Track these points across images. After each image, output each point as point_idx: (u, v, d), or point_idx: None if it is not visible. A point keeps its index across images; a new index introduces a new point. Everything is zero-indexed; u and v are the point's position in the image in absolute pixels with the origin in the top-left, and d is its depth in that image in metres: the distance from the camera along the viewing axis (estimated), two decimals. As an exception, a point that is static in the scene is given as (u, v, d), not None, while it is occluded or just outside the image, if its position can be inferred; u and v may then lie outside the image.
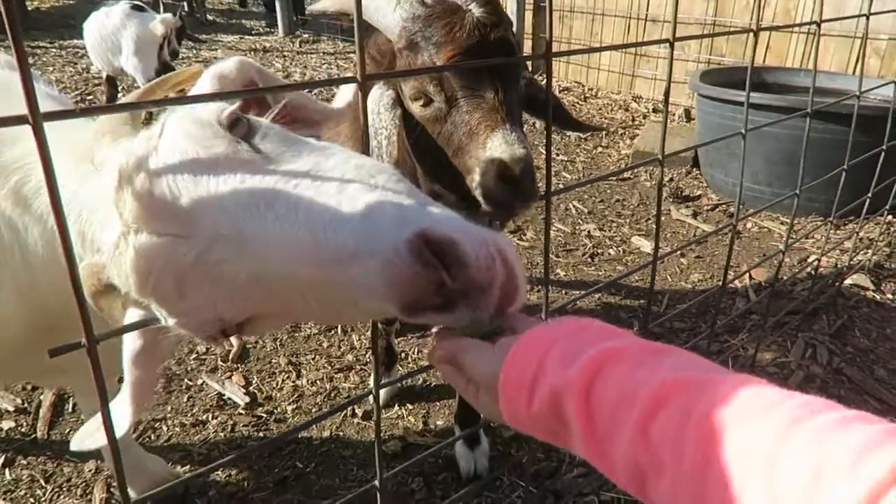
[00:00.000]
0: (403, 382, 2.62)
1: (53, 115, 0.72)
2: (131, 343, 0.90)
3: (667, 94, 1.53)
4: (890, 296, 3.23)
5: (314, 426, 2.38)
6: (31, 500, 2.06)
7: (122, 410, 0.94)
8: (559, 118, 1.77)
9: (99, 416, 0.98)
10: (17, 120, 0.69)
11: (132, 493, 0.85)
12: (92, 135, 0.86)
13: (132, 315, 0.88)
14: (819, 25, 2.08)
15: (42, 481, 2.13)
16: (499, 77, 1.35)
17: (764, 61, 5.69)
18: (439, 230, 0.67)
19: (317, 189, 0.73)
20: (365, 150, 0.97)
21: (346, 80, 0.98)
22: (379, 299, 0.67)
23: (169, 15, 6.05)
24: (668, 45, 1.46)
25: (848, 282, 3.29)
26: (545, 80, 1.28)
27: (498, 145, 1.28)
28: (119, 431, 0.93)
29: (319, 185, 0.74)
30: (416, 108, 1.42)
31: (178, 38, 6.13)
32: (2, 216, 1.13)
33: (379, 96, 1.46)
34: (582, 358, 0.66)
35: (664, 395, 0.59)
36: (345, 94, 1.35)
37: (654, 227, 4.02)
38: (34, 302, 1.18)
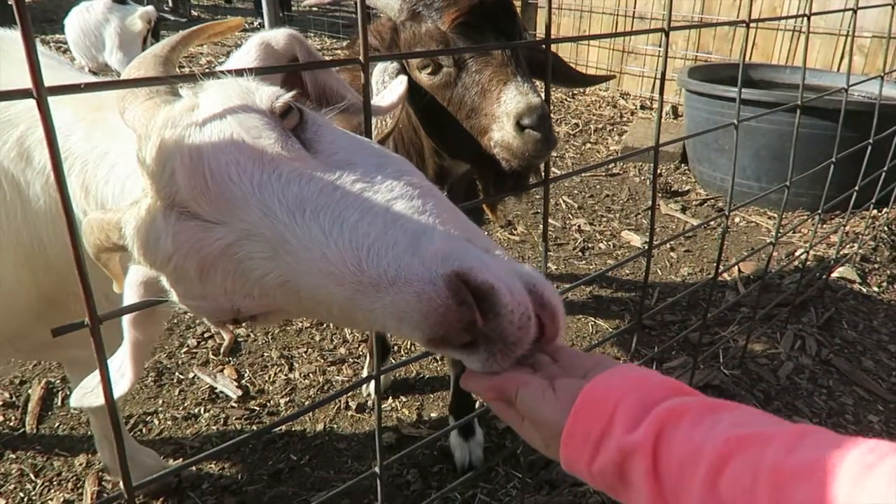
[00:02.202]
0: (397, 374, 2.62)
1: (58, 90, 0.72)
2: (129, 302, 0.89)
3: (662, 83, 1.54)
4: (876, 288, 3.27)
5: (308, 419, 2.37)
6: (22, 494, 2.03)
7: (123, 370, 0.93)
8: (563, 76, 1.76)
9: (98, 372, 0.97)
10: (22, 94, 0.69)
11: (123, 487, 0.84)
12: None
13: (133, 273, 0.87)
14: (808, 18, 2.11)
15: (32, 475, 2.10)
16: (503, 33, 1.37)
17: (750, 58, 5.74)
18: (482, 275, 0.65)
19: (364, 204, 0.70)
20: (367, 132, 0.97)
21: (349, 62, 0.98)
22: (409, 328, 0.65)
23: (150, 7, 5.98)
24: (660, 36, 1.48)
25: (835, 275, 3.33)
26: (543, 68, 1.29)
27: (512, 97, 1.29)
28: (120, 391, 0.91)
29: (368, 199, 0.71)
30: (424, 77, 1.42)
31: (155, 30, 6.05)
32: (3, 172, 1.09)
33: (384, 67, 1.46)
34: (646, 419, 0.67)
35: (729, 452, 0.60)
36: (389, 93, 1.34)
37: (644, 219, 4.06)
38: (40, 264, 1.14)
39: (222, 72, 0.80)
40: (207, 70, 0.80)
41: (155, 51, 0.90)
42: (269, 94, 0.76)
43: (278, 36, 1.01)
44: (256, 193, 0.69)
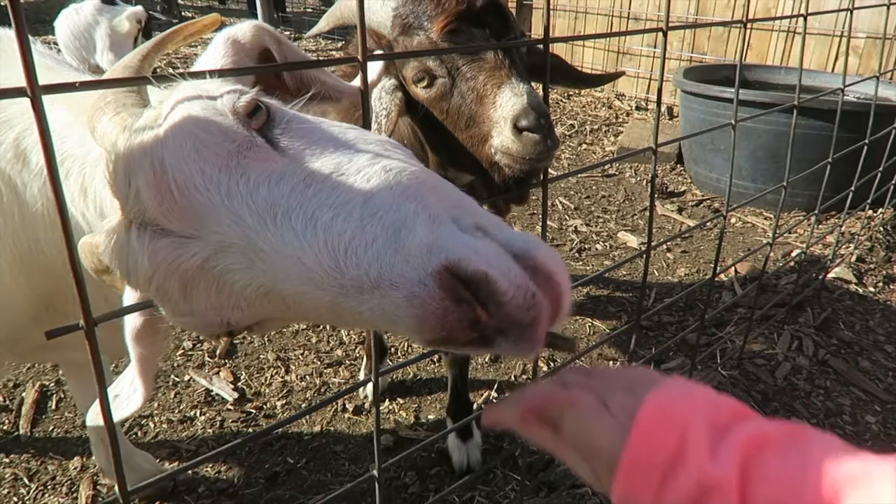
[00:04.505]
0: (394, 376, 2.61)
1: (53, 88, 0.70)
2: (132, 320, 0.87)
3: (660, 82, 1.54)
4: (872, 289, 3.28)
5: (304, 421, 2.35)
6: (15, 499, 2.01)
7: (134, 386, 0.91)
8: (568, 77, 1.74)
9: (116, 385, 0.95)
10: (16, 92, 0.67)
11: (119, 491, 0.83)
12: (94, 101, 0.79)
13: (133, 292, 0.85)
14: (805, 19, 2.11)
15: (26, 479, 2.08)
16: (496, 37, 1.35)
17: (745, 59, 5.75)
18: (472, 265, 0.59)
19: (338, 199, 0.66)
20: (365, 128, 0.96)
21: (347, 60, 0.97)
22: (405, 331, 0.62)
23: (139, 8, 5.93)
24: (655, 38, 1.47)
25: (831, 275, 3.33)
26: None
27: (508, 100, 1.26)
28: (133, 406, 0.90)
29: (343, 193, 0.67)
30: (420, 91, 1.40)
31: (146, 31, 6.00)
32: (0, 173, 1.07)
33: (381, 84, 1.45)
34: (726, 448, 0.59)
35: (834, 495, 0.54)
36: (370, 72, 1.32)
37: (641, 220, 4.06)
38: (37, 267, 1.13)
39: (218, 71, 0.79)
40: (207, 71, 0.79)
41: (125, 62, 0.87)
42: (230, 96, 0.73)
43: (244, 29, 0.97)
44: (225, 202, 0.66)
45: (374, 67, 1.35)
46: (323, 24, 1.64)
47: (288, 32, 11.08)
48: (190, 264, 0.67)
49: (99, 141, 0.76)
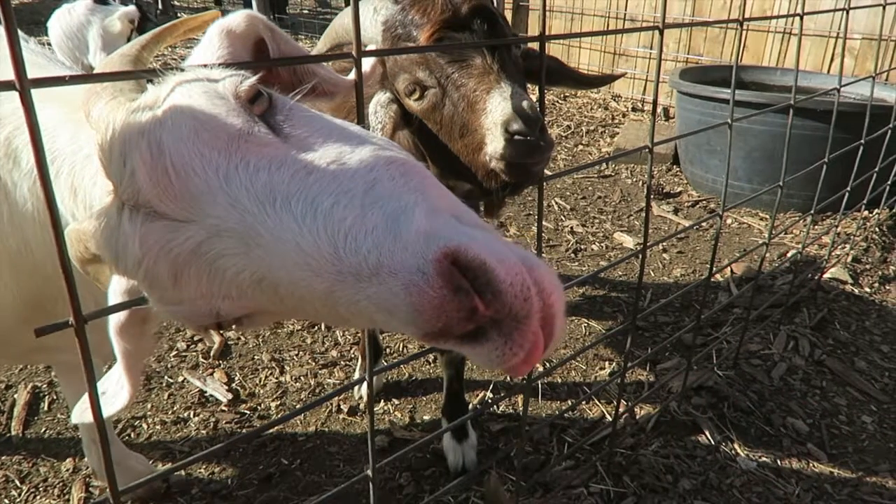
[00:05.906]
0: (389, 377, 2.60)
1: (42, 82, 0.69)
2: (116, 314, 0.86)
3: (657, 80, 1.54)
4: (868, 289, 3.28)
5: (299, 422, 2.34)
6: (7, 501, 1.99)
7: (120, 383, 0.90)
8: (565, 78, 1.74)
9: (103, 382, 0.94)
10: (5, 86, 0.66)
11: (109, 491, 0.81)
12: (90, 85, 0.79)
13: (116, 282, 0.84)
14: (801, 18, 2.11)
15: (17, 481, 2.06)
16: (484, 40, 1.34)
17: (741, 60, 5.76)
18: (472, 252, 0.59)
19: (340, 187, 0.65)
20: (359, 123, 0.95)
21: (343, 56, 0.96)
22: (401, 322, 0.60)
23: (131, 7, 5.90)
24: (652, 39, 1.47)
25: (827, 276, 3.33)
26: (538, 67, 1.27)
27: (497, 104, 1.25)
28: (119, 404, 0.89)
29: (343, 182, 0.66)
30: (413, 103, 1.40)
31: (141, 31, 5.97)
32: None
33: (377, 99, 1.45)
34: None
35: None
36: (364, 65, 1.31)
37: (637, 221, 4.06)
38: (26, 268, 1.11)
39: (215, 65, 0.77)
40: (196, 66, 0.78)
41: (123, 50, 0.86)
42: (232, 80, 0.72)
43: (238, 19, 0.95)
44: (223, 186, 0.66)
45: (367, 63, 1.34)
46: (321, 45, 1.65)
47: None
48: (182, 248, 0.66)
49: (94, 125, 0.75)
